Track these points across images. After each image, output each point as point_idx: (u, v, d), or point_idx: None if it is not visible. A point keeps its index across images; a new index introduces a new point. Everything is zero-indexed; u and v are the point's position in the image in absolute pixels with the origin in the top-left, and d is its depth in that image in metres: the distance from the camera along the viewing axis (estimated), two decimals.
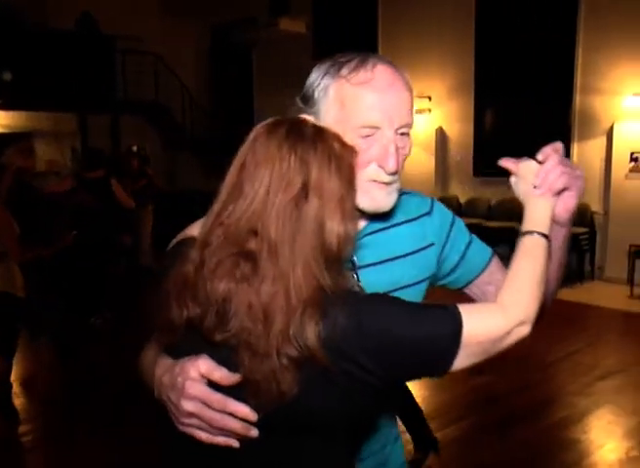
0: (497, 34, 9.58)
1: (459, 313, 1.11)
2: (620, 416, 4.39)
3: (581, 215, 8.41)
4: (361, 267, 1.34)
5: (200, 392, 1.10)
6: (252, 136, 1.14)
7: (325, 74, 1.28)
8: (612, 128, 8.33)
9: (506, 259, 1.34)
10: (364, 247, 1.34)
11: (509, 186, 1.42)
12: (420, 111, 10.21)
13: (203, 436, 1.13)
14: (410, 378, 1.22)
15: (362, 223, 1.34)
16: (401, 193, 1.38)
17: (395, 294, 1.20)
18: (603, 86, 8.46)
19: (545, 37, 9.05)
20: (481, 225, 9.14)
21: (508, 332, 1.14)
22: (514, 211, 9.12)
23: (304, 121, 1.17)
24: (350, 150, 1.16)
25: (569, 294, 7.17)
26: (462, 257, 1.48)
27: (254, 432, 1.10)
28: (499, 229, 8.94)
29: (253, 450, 1.13)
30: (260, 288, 1.03)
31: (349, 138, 1.20)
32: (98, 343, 6.07)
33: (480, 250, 1.52)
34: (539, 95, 9.14)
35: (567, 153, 7.75)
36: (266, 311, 1.03)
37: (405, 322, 1.08)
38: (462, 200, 10.01)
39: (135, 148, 9.86)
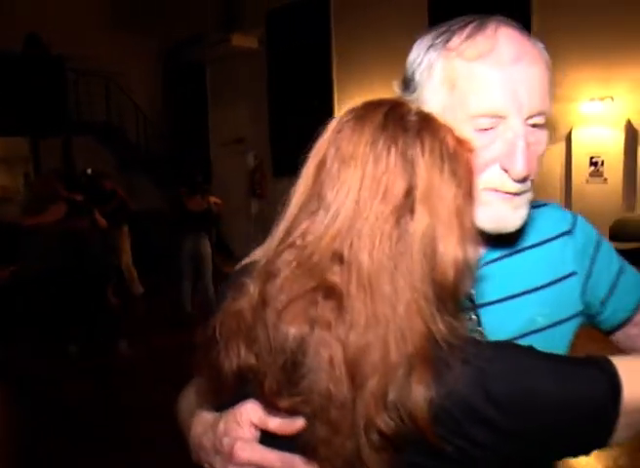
0: None
1: (615, 369, 0.80)
2: None
3: None
4: (482, 305, 1.00)
5: (254, 455, 0.82)
6: (333, 124, 0.85)
7: (429, 47, 0.97)
8: (570, 133, 8.47)
9: None
10: (484, 279, 1.01)
11: None
12: None
13: None
14: (552, 459, 0.94)
15: (480, 249, 0.99)
16: (540, 204, 1.10)
17: (527, 341, 0.91)
18: (558, 92, 8.49)
19: None
20: None
21: None
22: None
23: (406, 105, 0.86)
24: (467, 147, 0.85)
25: None
26: (612, 291, 1.09)
27: None
28: None
29: None
30: (346, 336, 0.74)
31: (462, 132, 0.88)
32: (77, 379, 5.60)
33: (634, 281, 1.13)
34: None
35: None
36: (355, 369, 0.73)
37: (548, 383, 0.78)
38: None
39: (89, 171, 9.69)
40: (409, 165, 0.77)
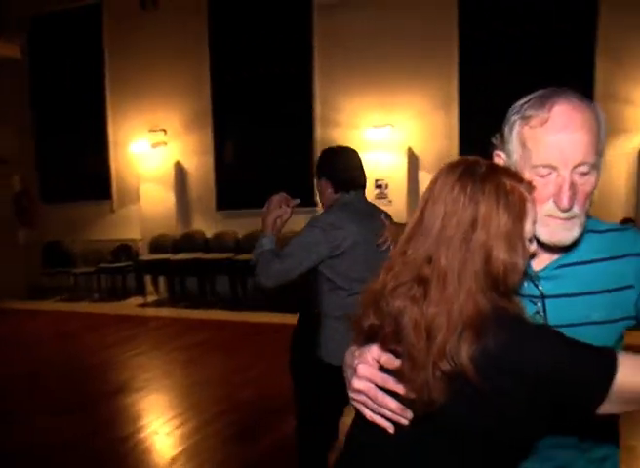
0: (232, 67, 9.47)
1: (616, 360, 1.12)
2: None
3: None
4: (549, 297, 1.35)
5: (369, 373, 1.26)
6: (435, 175, 1.24)
7: (515, 113, 1.33)
8: None
9: None
10: (554, 278, 1.36)
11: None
12: (155, 145, 9.73)
13: (367, 412, 1.27)
14: (553, 414, 1.20)
15: (555, 256, 1.37)
16: (615, 229, 1.42)
17: (581, 329, 1.29)
18: (341, 119, 8.75)
19: (284, 70, 9.14)
20: (232, 260, 8.86)
21: None
22: None
23: (479, 161, 1.24)
24: (526, 185, 1.22)
25: None
26: None
27: (406, 416, 1.21)
28: (250, 262, 8.73)
29: (400, 441, 1.25)
30: (427, 309, 1.15)
31: (529, 176, 1.27)
32: None
33: None
34: (280, 127, 9.18)
35: (311, 183, 7.90)
36: (429, 329, 1.14)
37: (563, 357, 1.12)
38: (209, 235, 9.62)
39: None
40: (473, 203, 1.17)
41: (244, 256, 8.85)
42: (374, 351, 1.26)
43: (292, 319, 8.28)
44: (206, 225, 9.73)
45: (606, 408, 1.13)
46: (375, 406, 1.25)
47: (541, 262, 1.36)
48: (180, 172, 9.84)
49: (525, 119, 1.30)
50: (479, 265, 1.14)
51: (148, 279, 9.68)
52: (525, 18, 7.85)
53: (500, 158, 1.36)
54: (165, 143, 9.81)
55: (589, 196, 1.30)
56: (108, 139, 10.36)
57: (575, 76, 7.57)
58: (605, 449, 1.45)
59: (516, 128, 1.32)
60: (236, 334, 7.32)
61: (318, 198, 3.02)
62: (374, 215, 2.84)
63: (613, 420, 1.43)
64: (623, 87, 7.31)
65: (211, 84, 9.57)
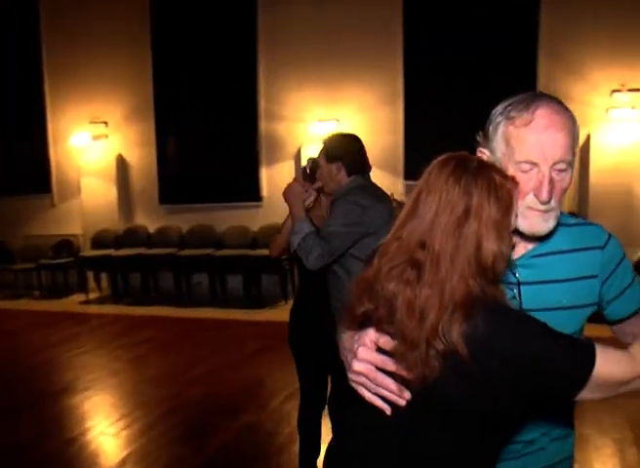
0: (175, 58, 9.32)
1: (594, 351, 1.24)
2: None
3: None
4: (524, 283, 1.48)
5: (369, 355, 1.33)
6: (429, 168, 1.33)
7: (499, 114, 1.45)
8: (299, 152, 8.58)
9: None
10: (529, 266, 1.49)
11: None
12: (96, 137, 9.52)
13: (366, 394, 1.35)
14: (535, 397, 1.29)
15: (529, 246, 1.51)
16: (582, 223, 1.58)
17: (552, 314, 1.41)
18: (286, 113, 8.73)
19: (228, 63, 9.05)
20: (175, 255, 8.75)
21: (629, 382, 1.28)
22: (208, 238, 8.93)
23: (470, 157, 1.35)
24: (511, 181, 1.33)
25: (274, 315, 7.56)
26: (619, 296, 1.54)
27: (404, 397, 1.28)
28: (195, 257, 8.63)
29: (396, 422, 1.31)
30: (420, 290, 1.23)
31: (513, 171, 1.39)
32: None
33: (634, 297, 1.57)
34: (224, 120, 9.09)
35: (256, 177, 7.86)
36: (422, 309, 1.22)
37: (549, 346, 1.22)
38: (152, 230, 9.47)
39: None
40: (467, 194, 1.26)
41: (188, 252, 8.78)
42: (371, 334, 1.33)
43: (237, 314, 8.25)
44: (149, 220, 9.58)
45: (582, 394, 1.25)
46: (374, 386, 1.33)
47: (518, 251, 1.48)
48: (121, 165, 9.66)
49: (510, 119, 1.41)
50: (471, 251, 1.23)
51: (90, 275, 9.47)
52: (469, 12, 7.96)
53: (483, 154, 1.47)
54: (106, 136, 9.61)
55: (564, 191, 1.43)
56: (47, 132, 10.07)
57: (517, 72, 7.75)
58: (565, 429, 1.60)
59: (501, 127, 1.43)
60: (181, 331, 7.25)
61: (322, 183, 3.01)
62: (385, 197, 3.02)
63: (571, 405, 1.59)
64: (564, 83, 7.49)
65: (153, 75, 9.40)
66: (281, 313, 7.65)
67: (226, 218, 8.97)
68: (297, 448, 3.51)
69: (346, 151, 2.98)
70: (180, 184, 9.38)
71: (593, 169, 7.39)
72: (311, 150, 8.41)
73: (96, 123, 9.57)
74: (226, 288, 8.82)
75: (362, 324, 1.36)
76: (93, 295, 9.29)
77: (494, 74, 7.79)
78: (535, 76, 7.69)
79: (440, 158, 1.34)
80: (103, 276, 9.52)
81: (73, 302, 9.12)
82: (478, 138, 1.50)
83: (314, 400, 3.38)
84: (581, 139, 7.56)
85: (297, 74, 8.63)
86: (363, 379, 1.34)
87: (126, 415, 4.65)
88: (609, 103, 7.33)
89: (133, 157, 9.66)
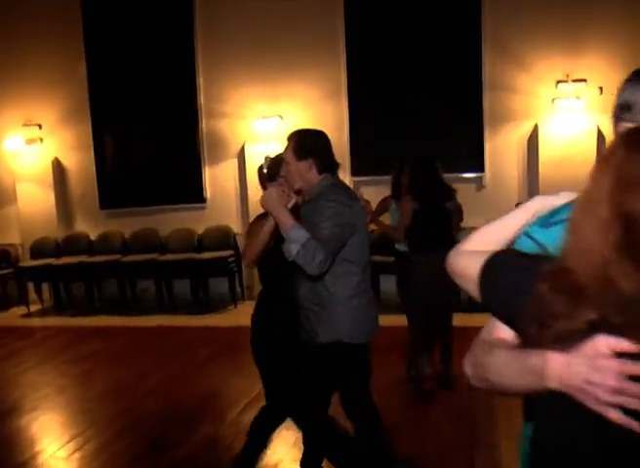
0: (110, 56, 9.02)
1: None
2: None
3: (225, 238, 8.33)
4: None
5: (620, 366, 1.07)
6: (612, 149, 1.12)
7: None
8: (243, 150, 8.40)
9: None
10: None
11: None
12: (30, 141, 9.13)
13: (615, 416, 1.08)
14: None
15: None
16: None
17: None
18: (228, 110, 8.53)
19: (165, 61, 8.80)
20: (118, 261, 8.46)
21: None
22: (153, 243, 8.66)
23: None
24: None
25: (223, 320, 7.47)
26: None
27: None
28: (139, 263, 8.36)
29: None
30: None
31: None
32: None
33: None
34: (164, 120, 8.83)
35: (199, 177, 7.64)
36: None
37: None
38: (93, 236, 9.11)
39: None
40: None
41: (132, 257, 8.49)
42: (610, 340, 1.08)
43: (185, 320, 8.01)
44: (89, 226, 9.22)
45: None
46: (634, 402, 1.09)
47: None
48: (58, 169, 9.28)
49: None
50: None
51: (31, 286, 9.07)
52: (412, 7, 7.91)
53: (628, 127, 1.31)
54: (41, 139, 9.21)
55: None
56: None
57: (463, 64, 7.77)
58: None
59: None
60: (130, 341, 7.00)
61: (292, 180, 2.88)
62: (355, 195, 3.01)
63: None
64: (510, 76, 7.54)
65: (88, 74, 9.04)
66: (230, 318, 7.56)
67: (170, 221, 8.73)
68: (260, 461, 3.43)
69: (317, 147, 2.87)
70: (121, 188, 9.08)
71: (542, 160, 7.46)
72: (255, 148, 8.28)
73: (29, 126, 9.16)
74: (173, 293, 8.53)
75: (576, 337, 1.11)
76: (34, 308, 8.90)
77: (438, 68, 7.78)
78: (480, 69, 7.71)
79: (625, 133, 1.15)
80: (45, 287, 9.14)
81: (14, 316, 8.71)
82: (618, 113, 1.36)
83: (281, 407, 3.33)
84: (529, 130, 7.66)
85: (237, 70, 8.43)
86: (622, 399, 1.09)
87: (78, 435, 4.42)
88: (554, 94, 7.38)
89: (70, 161, 9.30)
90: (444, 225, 4.69)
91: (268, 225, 2.89)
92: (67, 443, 4.31)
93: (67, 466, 4.03)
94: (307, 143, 2.87)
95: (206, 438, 4.23)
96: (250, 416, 4.18)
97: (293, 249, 2.62)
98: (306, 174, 2.84)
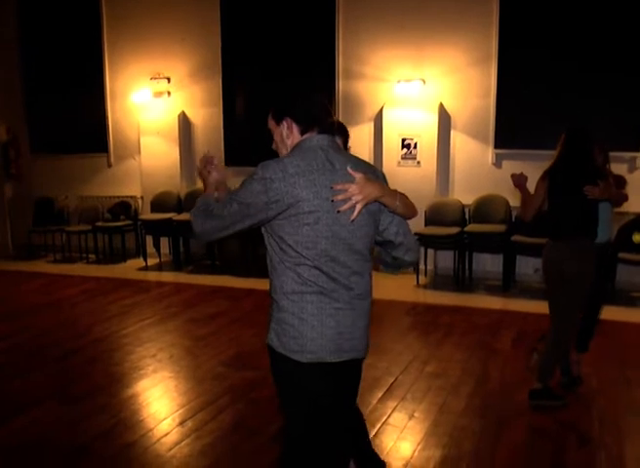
0: (246, 13, 8.65)
1: None
2: None
3: None
4: None
5: None
6: None
7: None
8: (381, 113, 7.89)
9: None
10: None
11: None
12: (158, 94, 8.93)
13: None
14: None
15: None
16: None
17: None
18: (366, 71, 8.03)
19: (303, 20, 8.37)
20: None
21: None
22: None
23: None
24: None
25: None
26: None
27: None
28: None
29: None
30: None
31: None
32: None
33: None
34: (298, 79, 8.36)
35: None
36: None
37: None
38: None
39: None
40: None
41: None
42: None
43: None
44: None
45: None
46: None
47: None
48: (185, 124, 9.04)
49: None
50: None
51: (149, 240, 8.94)
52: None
53: None
54: (169, 93, 8.99)
55: None
56: (105, 88, 9.49)
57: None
58: None
59: None
60: (258, 303, 6.53)
61: (279, 150, 2.25)
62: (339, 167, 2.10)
63: None
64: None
65: (221, 29, 8.71)
66: None
67: None
68: None
69: (293, 104, 2.21)
70: (247, 147, 8.72)
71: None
72: (394, 112, 7.76)
73: (157, 79, 8.96)
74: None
75: None
76: (151, 262, 8.76)
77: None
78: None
79: None
80: (163, 242, 8.97)
81: (131, 268, 8.59)
82: None
83: None
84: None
85: (379, 31, 7.89)
86: None
87: (210, 403, 4.08)
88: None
89: (197, 116, 9.04)
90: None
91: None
92: (199, 412, 3.96)
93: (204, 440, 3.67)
94: (282, 103, 2.24)
95: None
96: None
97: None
98: (287, 138, 2.20)
